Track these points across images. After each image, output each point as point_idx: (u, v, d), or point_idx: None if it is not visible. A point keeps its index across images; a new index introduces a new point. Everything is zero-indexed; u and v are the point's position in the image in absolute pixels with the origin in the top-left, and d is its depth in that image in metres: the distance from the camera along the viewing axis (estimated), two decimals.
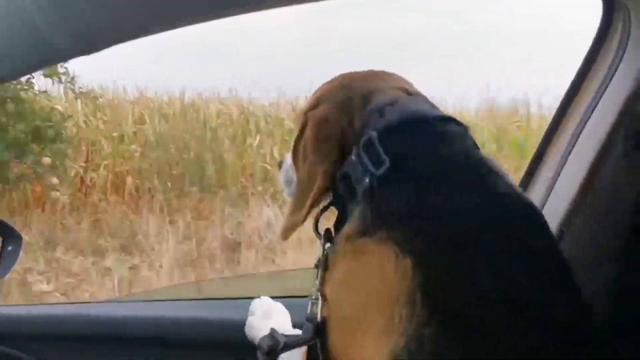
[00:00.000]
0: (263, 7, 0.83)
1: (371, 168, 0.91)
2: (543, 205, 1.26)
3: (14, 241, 1.36)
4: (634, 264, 1.19)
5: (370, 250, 0.85)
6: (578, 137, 1.21)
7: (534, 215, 0.89)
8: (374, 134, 0.93)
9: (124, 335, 1.63)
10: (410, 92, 1.03)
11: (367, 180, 0.90)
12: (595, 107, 1.18)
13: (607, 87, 1.16)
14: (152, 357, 1.59)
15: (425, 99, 1.04)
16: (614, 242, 1.19)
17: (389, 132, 0.93)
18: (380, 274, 0.82)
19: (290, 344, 0.94)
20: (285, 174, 1.14)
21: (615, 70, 1.14)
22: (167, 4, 0.83)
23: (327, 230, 1.01)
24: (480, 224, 0.83)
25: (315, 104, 1.05)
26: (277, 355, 0.94)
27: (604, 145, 1.15)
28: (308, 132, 1.01)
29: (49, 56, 0.98)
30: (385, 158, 0.90)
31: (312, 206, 1.00)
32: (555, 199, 1.24)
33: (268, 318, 1.30)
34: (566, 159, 1.23)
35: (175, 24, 0.90)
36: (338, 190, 0.98)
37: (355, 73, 1.08)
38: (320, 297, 0.95)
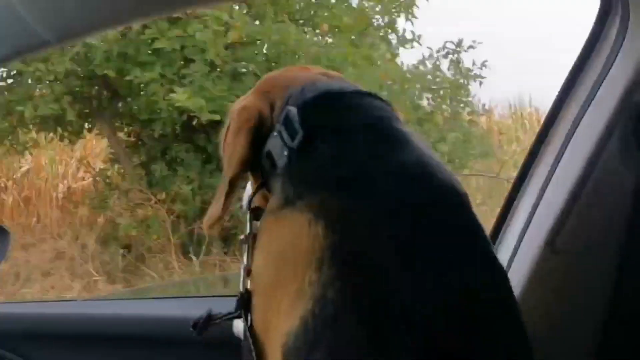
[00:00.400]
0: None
1: (288, 141, 0.93)
2: (540, 199, 1.24)
3: (2, 237, 1.34)
4: (632, 258, 1.18)
5: (288, 219, 0.87)
6: (575, 130, 1.19)
7: (445, 187, 0.88)
8: (292, 109, 0.95)
9: (110, 334, 1.60)
10: (331, 76, 1.06)
11: (286, 153, 0.93)
12: (592, 99, 1.16)
13: (604, 78, 1.14)
14: (137, 355, 1.56)
15: (346, 80, 1.06)
16: (611, 236, 1.18)
17: (305, 107, 0.96)
18: (295, 240, 0.84)
19: (217, 317, 0.95)
20: None
21: (614, 61, 1.12)
22: None
23: (256, 208, 1.01)
24: (387, 190, 0.85)
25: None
26: (203, 329, 0.95)
27: (601, 139, 1.13)
28: (229, 122, 1.04)
29: (31, 45, 0.97)
30: (299, 129, 0.92)
31: (229, 194, 1.01)
32: (551, 194, 1.22)
33: None
34: (562, 154, 1.21)
35: (153, 14, 0.89)
36: (265, 169, 0.99)
37: (281, 69, 1.13)
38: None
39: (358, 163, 0.88)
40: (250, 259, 0.95)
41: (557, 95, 1.25)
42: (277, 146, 0.94)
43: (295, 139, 0.92)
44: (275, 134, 0.95)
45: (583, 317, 1.23)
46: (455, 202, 0.87)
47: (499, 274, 0.86)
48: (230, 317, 0.94)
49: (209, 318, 0.96)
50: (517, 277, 1.25)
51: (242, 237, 0.99)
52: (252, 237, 0.96)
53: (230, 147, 1.01)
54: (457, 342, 0.78)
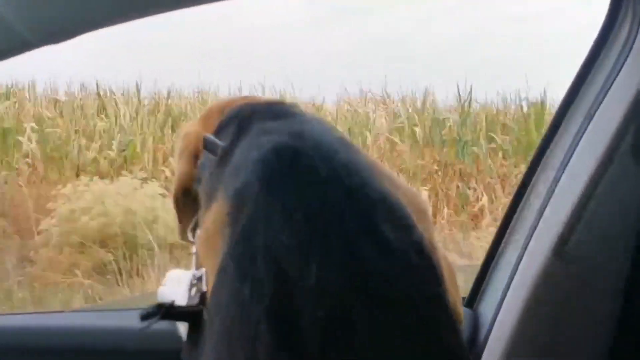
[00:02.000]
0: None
1: (211, 155, 0.98)
2: (546, 205, 1.20)
3: None
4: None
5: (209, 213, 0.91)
6: (583, 133, 1.15)
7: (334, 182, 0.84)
8: (208, 136, 1.01)
9: (83, 346, 1.54)
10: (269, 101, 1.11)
11: (207, 174, 0.98)
12: (601, 102, 1.11)
13: (614, 79, 1.10)
14: None
15: (276, 104, 1.08)
16: (622, 243, 1.14)
17: (222, 128, 1.02)
18: (214, 226, 0.87)
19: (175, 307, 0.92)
20: None
21: (624, 62, 1.08)
22: None
23: None
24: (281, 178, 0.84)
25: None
26: (153, 321, 0.92)
27: (612, 142, 1.09)
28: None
29: (12, 46, 0.92)
30: (220, 147, 0.97)
31: (178, 216, 1.10)
32: (559, 199, 1.18)
33: (178, 287, 1.26)
34: (570, 157, 1.16)
35: (132, 16, 0.90)
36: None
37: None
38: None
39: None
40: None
41: (564, 97, 1.21)
42: (204, 171, 1.00)
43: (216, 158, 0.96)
44: (202, 159, 1.02)
45: (592, 327, 1.19)
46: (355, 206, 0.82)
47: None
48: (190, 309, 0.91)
49: (162, 307, 0.92)
50: (523, 286, 1.21)
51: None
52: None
53: (175, 171, 1.10)
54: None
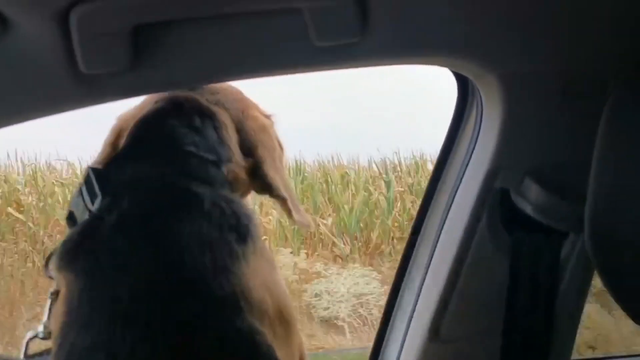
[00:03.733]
0: None
1: (89, 204, 0.91)
2: (420, 289, 1.23)
3: None
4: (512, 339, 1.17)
5: None
6: (447, 215, 1.20)
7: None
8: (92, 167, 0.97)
9: None
10: (183, 107, 1.01)
11: (86, 216, 0.91)
12: (457, 189, 1.18)
13: (467, 164, 1.16)
14: None
15: (192, 120, 1.01)
16: (492, 318, 1.17)
17: (112, 164, 0.97)
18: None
19: None
20: None
21: (474, 149, 1.15)
22: None
23: None
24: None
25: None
26: None
27: (470, 223, 1.14)
28: None
29: None
30: (98, 193, 0.90)
31: None
32: (431, 281, 1.21)
33: None
34: (438, 240, 1.21)
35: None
36: None
37: None
38: None
39: None
40: None
41: (430, 179, 1.27)
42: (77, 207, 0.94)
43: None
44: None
45: None
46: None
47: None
48: None
49: None
50: None
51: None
52: None
53: None
54: None
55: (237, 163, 0.99)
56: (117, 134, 1.01)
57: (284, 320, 0.87)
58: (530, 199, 1.10)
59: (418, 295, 1.23)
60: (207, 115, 0.98)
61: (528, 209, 1.10)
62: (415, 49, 0.96)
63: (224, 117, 1.01)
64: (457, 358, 1.20)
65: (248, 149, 1.01)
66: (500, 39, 0.98)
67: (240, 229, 0.88)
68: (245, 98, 1.08)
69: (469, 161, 1.16)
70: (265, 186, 1.02)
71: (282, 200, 1.01)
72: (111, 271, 0.81)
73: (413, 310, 1.23)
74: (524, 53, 1.01)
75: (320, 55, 0.87)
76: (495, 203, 1.13)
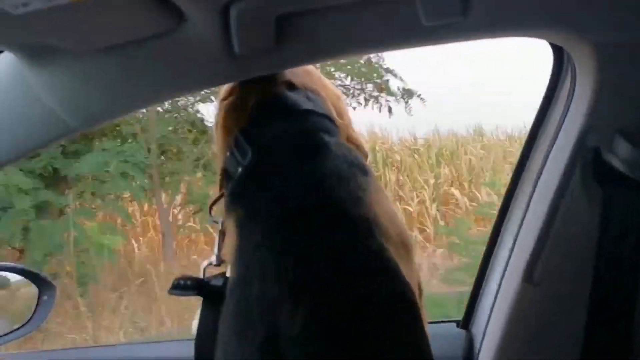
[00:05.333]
0: None
1: (240, 159, 1.06)
2: (517, 237, 1.37)
3: (48, 291, 1.44)
4: (602, 285, 1.29)
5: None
6: (541, 173, 1.32)
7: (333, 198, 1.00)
8: (239, 131, 1.09)
9: None
10: (295, 86, 1.14)
11: (240, 170, 1.06)
12: (553, 145, 1.29)
13: (562, 125, 1.27)
14: None
15: (304, 94, 1.15)
16: (583, 265, 1.29)
17: (253, 127, 1.10)
18: (229, 239, 1.03)
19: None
20: None
21: (568, 110, 1.26)
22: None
23: None
24: (285, 201, 1.00)
25: (227, 95, 1.18)
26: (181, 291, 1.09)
27: (564, 177, 1.26)
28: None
29: (60, 134, 1.10)
30: (248, 149, 1.06)
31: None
32: (525, 231, 1.35)
33: None
34: (533, 192, 1.34)
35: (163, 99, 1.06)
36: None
37: None
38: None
39: (262, 180, 1.03)
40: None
41: (525, 142, 1.39)
42: (232, 165, 1.09)
43: (246, 159, 1.06)
44: (228, 154, 1.10)
45: (563, 341, 1.34)
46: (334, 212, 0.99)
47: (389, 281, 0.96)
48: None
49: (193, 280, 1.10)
50: (503, 310, 1.38)
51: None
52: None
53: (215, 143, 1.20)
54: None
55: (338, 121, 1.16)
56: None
57: (405, 244, 1.03)
58: (622, 156, 1.20)
59: (514, 244, 1.38)
60: (310, 89, 1.16)
61: (619, 166, 1.20)
62: (514, 23, 1.07)
63: (320, 89, 1.19)
64: (549, 300, 1.34)
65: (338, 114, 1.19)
66: (595, 10, 1.08)
67: (361, 166, 1.06)
68: (322, 77, 1.25)
69: (563, 122, 1.28)
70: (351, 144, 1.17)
71: (365, 157, 1.17)
72: (270, 203, 1.00)
73: (509, 257, 1.38)
74: (618, 23, 1.10)
75: (428, 33, 1.02)
76: (587, 160, 1.23)
